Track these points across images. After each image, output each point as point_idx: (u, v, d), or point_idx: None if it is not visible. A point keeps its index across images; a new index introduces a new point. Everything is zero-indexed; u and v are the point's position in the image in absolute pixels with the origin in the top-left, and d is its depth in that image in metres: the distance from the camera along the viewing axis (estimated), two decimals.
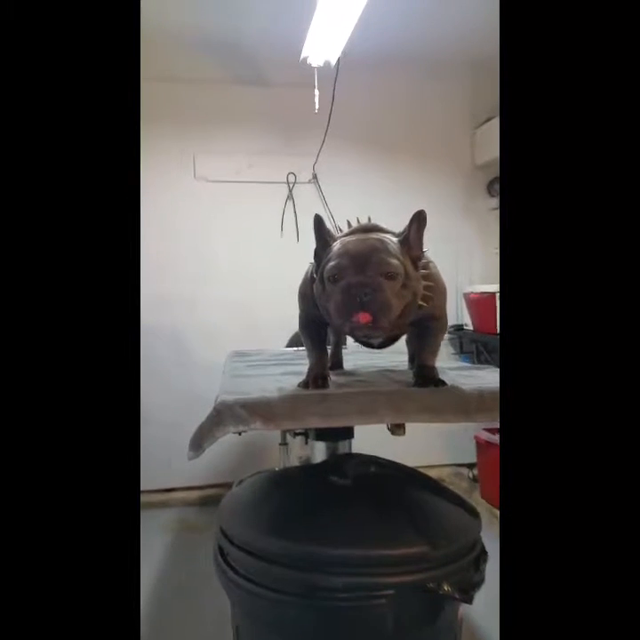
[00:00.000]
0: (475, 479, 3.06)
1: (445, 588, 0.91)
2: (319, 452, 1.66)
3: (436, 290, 0.97)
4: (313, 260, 1.00)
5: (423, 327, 1.03)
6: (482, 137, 3.19)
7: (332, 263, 0.90)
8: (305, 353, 1.91)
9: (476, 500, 2.83)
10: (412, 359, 1.32)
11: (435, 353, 1.04)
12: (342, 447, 1.59)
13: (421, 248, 0.95)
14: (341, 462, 1.12)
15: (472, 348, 3.18)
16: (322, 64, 2.24)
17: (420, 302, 0.93)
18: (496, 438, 2.70)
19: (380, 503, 0.99)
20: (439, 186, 3.13)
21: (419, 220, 0.93)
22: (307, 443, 2.07)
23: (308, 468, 1.15)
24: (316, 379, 1.02)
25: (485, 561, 1.02)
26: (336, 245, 0.94)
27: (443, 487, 1.15)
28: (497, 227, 3.31)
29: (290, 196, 2.96)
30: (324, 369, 1.06)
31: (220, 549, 1.05)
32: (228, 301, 3.01)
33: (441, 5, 2.54)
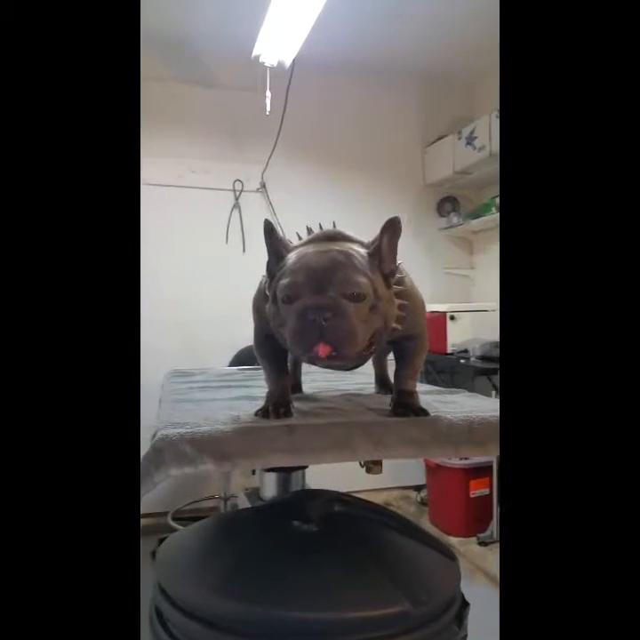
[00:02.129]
0: (423, 502, 2.97)
1: None
2: (269, 483, 1.49)
3: (411, 308, 0.83)
4: (265, 274, 0.85)
5: (400, 347, 0.90)
6: (433, 155, 3.17)
7: (285, 280, 0.75)
8: (255, 372, 1.77)
9: (425, 525, 2.73)
10: (379, 381, 1.20)
11: (414, 376, 0.91)
12: (295, 479, 1.44)
13: (395, 262, 0.81)
14: (302, 502, 0.97)
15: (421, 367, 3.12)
16: (275, 64, 2.12)
17: (394, 325, 0.80)
18: (447, 460, 2.62)
19: (350, 553, 0.85)
20: (389, 203, 3.07)
21: (392, 228, 0.79)
22: (254, 473, 1.90)
23: (263, 511, 0.99)
24: (276, 406, 0.86)
25: (467, 614, 0.89)
26: (291, 258, 0.78)
27: (414, 526, 1.02)
28: (446, 247, 3.29)
29: (236, 205, 2.81)
30: (285, 394, 0.91)
31: (158, 612, 0.87)
32: (166, 317, 2.79)
33: (396, 19, 2.50)
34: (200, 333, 2.82)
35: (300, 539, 0.87)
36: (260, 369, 1.88)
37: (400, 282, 0.81)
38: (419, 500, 3.04)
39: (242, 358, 2.73)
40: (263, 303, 0.84)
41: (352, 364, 0.79)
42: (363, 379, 1.46)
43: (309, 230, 0.85)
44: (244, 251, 2.82)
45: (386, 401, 1.04)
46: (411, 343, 0.89)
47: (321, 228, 0.85)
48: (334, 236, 0.81)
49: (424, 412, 0.85)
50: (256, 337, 0.94)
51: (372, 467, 0.84)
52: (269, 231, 0.81)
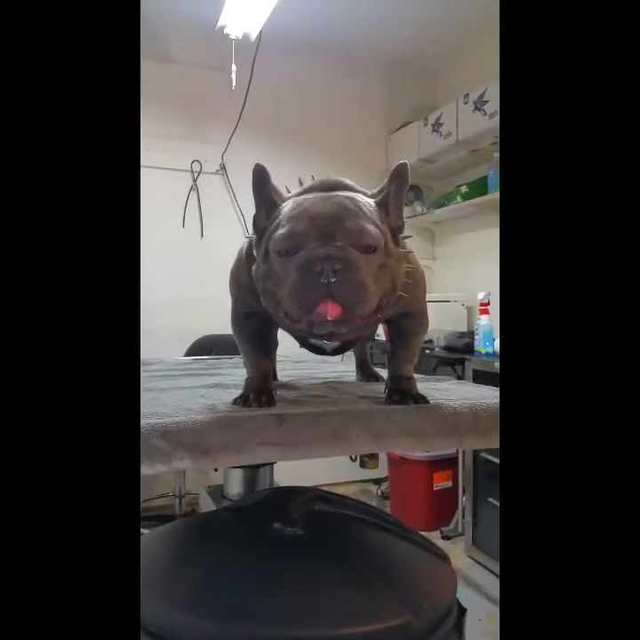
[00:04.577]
0: (384, 496, 2.92)
1: None
2: (234, 480, 1.39)
3: (415, 276, 0.75)
4: (249, 233, 0.74)
5: (397, 326, 0.81)
6: (397, 142, 3.11)
7: (283, 230, 0.64)
8: (217, 362, 1.65)
9: None
10: (360, 368, 1.11)
11: (412, 360, 0.81)
12: (262, 475, 1.34)
13: (402, 216, 0.72)
14: (282, 501, 0.87)
15: (383, 358, 3.06)
16: (240, 36, 1.98)
17: (400, 291, 0.70)
18: (410, 453, 2.57)
19: (341, 558, 0.76)
20: None
21: (400, 177, 0.70)
22: (216, 469, 1.78)
23: (239, 512, 0.88)
24: (258, 394, 0.75)
25: (465, 621, 0.82)
26: (287, 206, 0.67)
27: (401, 525, 0.93)
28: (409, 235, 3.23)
29: (194, 187, 2.66)
30: (267, 380, 0.80)
31: None
32: None
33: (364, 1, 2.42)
34: (152, 322, 2.65)
35: (284, 543, 0.77)
36: (222, 358, 1.77)
37: (403, 245, 0.72)
38: (379, 493, 2.98)
39: (198, 349, 2.59)
40: (243, 273, 0.73)
41: (354, 336, 0.69)
42: (338, 367, 1.37)
43: (301, 182, 0.75)
44: (201, 236, 2.68)
45: (373, 388, 0.96)
46: (409, 321, 0.80)
47: (313, 179, 0.73)
48: (335, 185, 0.70)
49: (424, 400, 0.76)
50: (234, 314, 0.82)
51: (368, 460, 0.75)
52: (261, 176, 0.69)
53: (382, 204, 0.69)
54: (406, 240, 0.74)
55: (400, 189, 0.70)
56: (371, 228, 0.64)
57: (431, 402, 0.77)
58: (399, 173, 0.69)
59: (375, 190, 0.72)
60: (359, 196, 0.68)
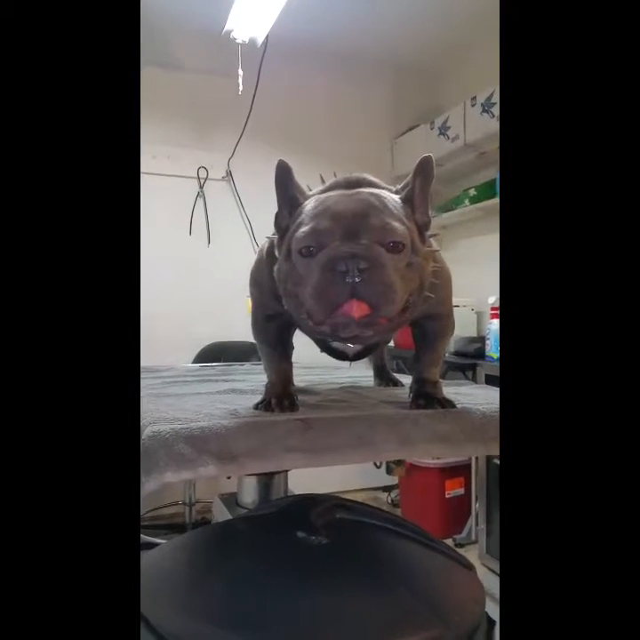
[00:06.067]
0: (394, 504, 2.88)
1: None
2: (248, 488, 1.36)
3: (442, 276, 0.73)
4: (270, 234, 0.72)
5: (422, 329, 0.79)
6: (402, 146, 3.10)
7: (305, 228, 0.62)
8: (229, 368, 1.63)
9: None
10: (378, 372, 1.09)
11: (437, 363, 0.80)
12: (278, 482, 1.32)
13: (428, 212, 0.69)
14: (303, 509, 0.84)
15: (392, 364, 3.04)
16: (247, 40, 1.98)
17: (427, 292, 0.67)
18: (421, 460, 2.54)
19: (367, 568, 0.73)
20: None
21: (425, 171, 0.67)
22: (229, 477, 1.76)
23: (260, 521, 0.86)
24: (280, 399, 0.74)
25: (494, 634, 0.79)
26: (310, 204, 0.65)
27: (426, 535, 0.91)
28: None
29: (200, 194, 2.65)
30: (288, 385, 0.78)
31: None
32: None
33: (367, 4, 2.41)
34: (159, 329, 2.65)
35: (309, 552, 0.74)
36: (233, 365, 1.75)
37: (430, 242, 0.70)
38: (389, 501, 2.95)
39: (207, 356, 2.57)
40: (265, 274, 0.71)
41: (379, 338, 0.67)
42: (350, 372, 1.35)
43: (322, 179, 0.73)
44: (208, 243, 2.66)
45: (395, 393, 0.94)
46: (435, 324, 0.78)
47: (335, 175, 0.71)
48: (358, 182, 0.68)
49: (451, 404, 0.74)
50: (255, 317, 0.80)
51: (395, 467, 0.73)
52: (284, 173, 0.67)
53: (407, 200, 0.67)
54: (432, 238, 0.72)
55: (425, 184, 0.68)
56: (397, 224, 0.62)
57: (458, 406, 0.75)
58: (424, 167, 0.67)
59: (399, 186, 0.70)
60: (384, 193, 0.66)
